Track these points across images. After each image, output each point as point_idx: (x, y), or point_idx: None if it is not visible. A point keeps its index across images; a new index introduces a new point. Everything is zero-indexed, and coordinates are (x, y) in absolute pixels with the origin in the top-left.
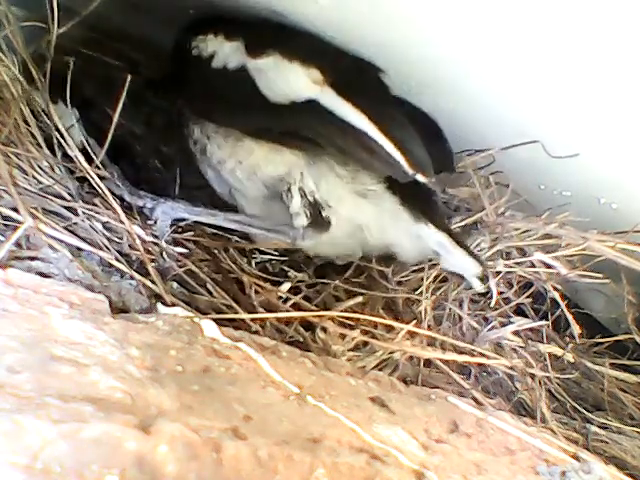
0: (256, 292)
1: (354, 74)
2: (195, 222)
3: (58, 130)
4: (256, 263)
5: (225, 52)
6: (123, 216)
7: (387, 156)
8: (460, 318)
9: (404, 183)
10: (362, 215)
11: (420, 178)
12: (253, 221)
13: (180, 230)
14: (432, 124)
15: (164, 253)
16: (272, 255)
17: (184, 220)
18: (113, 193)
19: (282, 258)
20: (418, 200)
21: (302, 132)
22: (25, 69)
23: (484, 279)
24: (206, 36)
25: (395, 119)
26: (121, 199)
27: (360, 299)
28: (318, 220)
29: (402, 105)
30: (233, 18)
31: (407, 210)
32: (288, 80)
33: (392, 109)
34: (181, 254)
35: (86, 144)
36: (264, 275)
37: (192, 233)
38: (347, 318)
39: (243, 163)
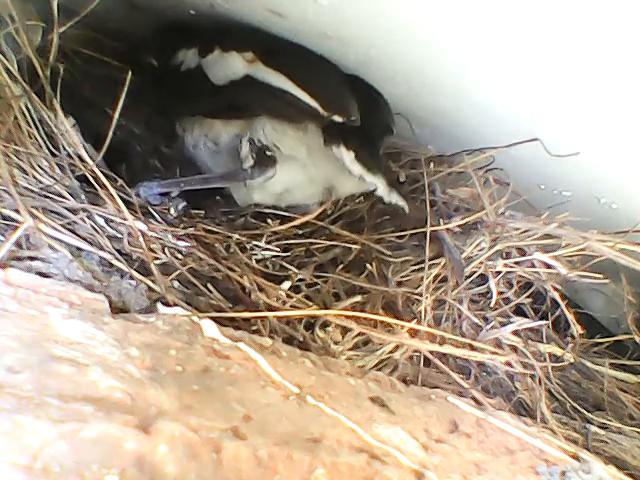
0: (257, 290)
1: (285, 50)
2: (196, 220)
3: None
4: (256, 260)
5: (188, 57)
6: (126, 212)
7: (305, 105)
8: (460, 318)
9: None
10: (300, 152)
11: (337, 119)
12: (210, 175)
13: (182, 226)
14: (371, 90)
15: (166, 249)
16: (273, 251)
17: (166, 194)
18: (116, 189)
19: (283, 254)
20: (347, 134)
21: (240, 103)
22: (27, 67)
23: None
24: (179, 50)
25: (314, 75)
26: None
27: (359, 298)
28: (263, 159)
29: (338, 73)
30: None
31: (327, 136)
32: (227, 65)
33: (316, 69)
34: (181, 253)
35: (83, 148)
36: (264, 269)
37: (193, 229)
38: (347, 317)
39: (208, 136)
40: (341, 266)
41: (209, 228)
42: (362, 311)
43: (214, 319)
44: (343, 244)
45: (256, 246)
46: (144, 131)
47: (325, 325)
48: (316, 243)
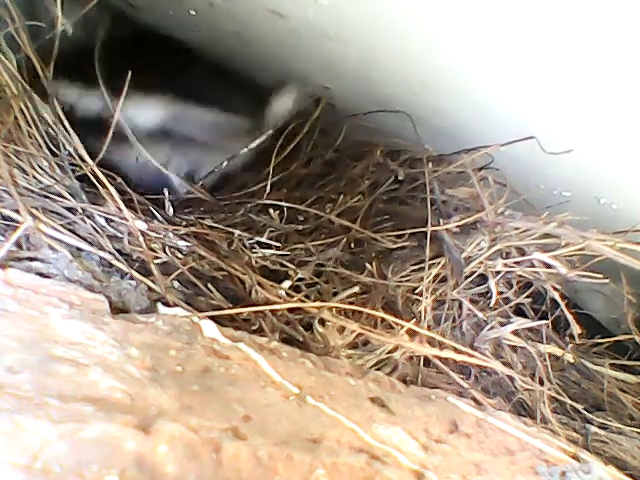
0: (256, 285)
1: (191, 86)
2: (196, 218)
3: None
4: (257, 259)
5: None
6: (126, 211)
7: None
8: (460, 318)
9: None
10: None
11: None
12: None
13: (184, 224)
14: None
15: (167, 248)
16: (273, 249)
17: None
18: (116, 189)
19: (282, 253)
20: None
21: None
22: (28, 67)
23: None
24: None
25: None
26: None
27: (356, 289)
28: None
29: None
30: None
31: None
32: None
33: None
34: (182, 252)
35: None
36: (265, 265)
37: (194, 227)
38: (345, 310)
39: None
40: (340, 265)
41: (210, 224)
42: (362, 305)
43: (214, 319)
44: (342, 236)
45: (258, 243)
46: None
47: (324, 321)
48: (316, 239)
